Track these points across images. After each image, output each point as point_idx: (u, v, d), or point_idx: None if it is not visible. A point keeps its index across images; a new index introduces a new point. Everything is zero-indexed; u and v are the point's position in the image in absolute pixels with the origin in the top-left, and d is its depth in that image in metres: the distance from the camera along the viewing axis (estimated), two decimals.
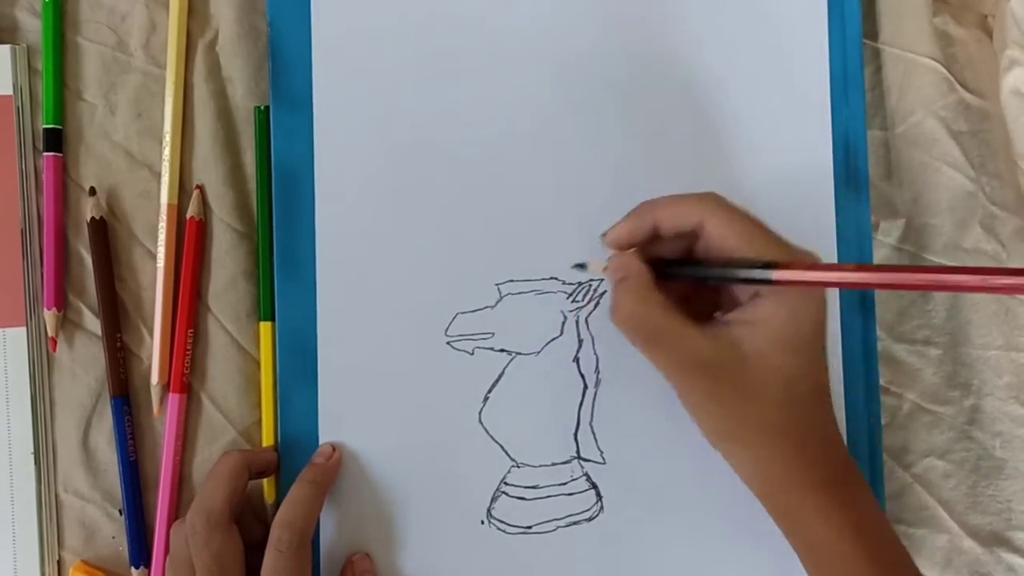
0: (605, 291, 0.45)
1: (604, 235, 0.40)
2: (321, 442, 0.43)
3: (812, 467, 0.38)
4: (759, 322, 0.37)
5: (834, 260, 0.46)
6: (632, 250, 0.40)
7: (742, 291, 0.39)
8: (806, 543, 0.39)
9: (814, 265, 0.36)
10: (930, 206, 0.47)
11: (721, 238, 0.37)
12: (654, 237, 0.39)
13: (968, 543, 0.47)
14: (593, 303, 0.45)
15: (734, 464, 0.39)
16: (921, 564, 0.47)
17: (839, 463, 0.39)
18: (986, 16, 0.48)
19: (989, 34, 0.48)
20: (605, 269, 0.41)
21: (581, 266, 0.43)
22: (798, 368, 0.37)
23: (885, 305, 0.48)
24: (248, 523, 0.43)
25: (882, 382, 0.47)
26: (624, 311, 0.38)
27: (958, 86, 0.48)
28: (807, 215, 0.46)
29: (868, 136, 0.47)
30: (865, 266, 0.34)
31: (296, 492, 0.41)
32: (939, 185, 0.47)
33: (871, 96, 0.48)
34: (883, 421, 0.47)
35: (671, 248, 0.40)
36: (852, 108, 0.46)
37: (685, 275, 0.39)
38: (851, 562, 0.37)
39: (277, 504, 0.44)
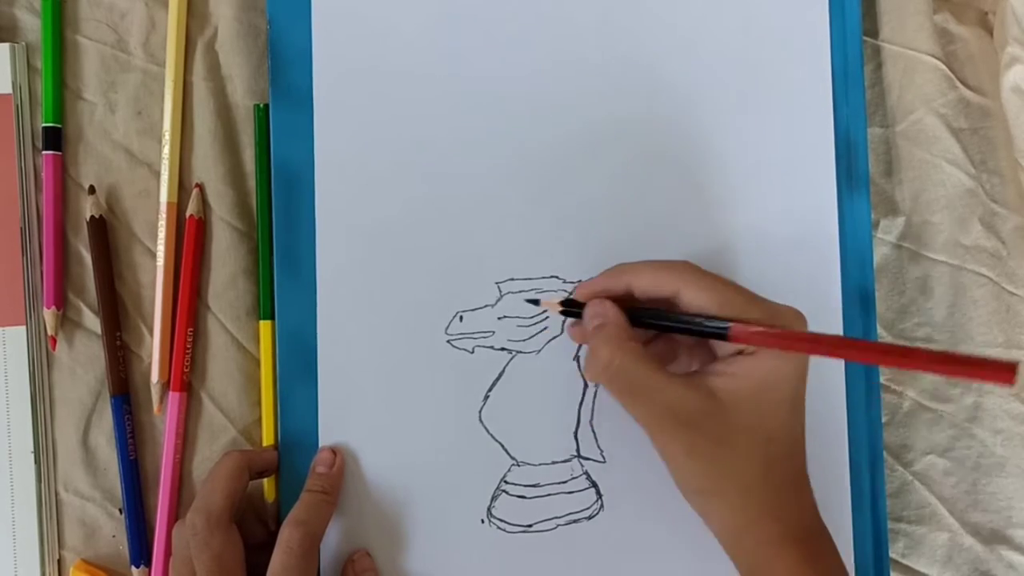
0: None
1: (575, 289, 0.41)
2: (321, 441, 0.43)
3: (785, 522, 0.38)
4: (738, 375, 0.37)
5: (836, 257, 0.46)
6: (606, 299, 0.40)
7: (723, 349, 0.39)
8: None
9: (770, 329, 0.36)
10: (930, 203, 0.47)
11: (697, 306, 0.38)
12: (627, 297, 0.40)
13: (969, 541, 0.47)
14: None
15: (708, 517, 0.39)
16: (922, 562, 0.47)
17: (809, 519, 0.39)
18: (987, 13, 0.48)
19: (990, 31, 0.48)
20: (563, 311, 0.41)
21: (534, 302, 0.43)
22: (777, 423, 0.38)
23: (886, 303, 0.48)
24: (250, 524, 0.43)
25: (882, 379, 0.47)
26: (603, 360, 0.38)
27: (958, 83, 0.48)
28: (810, 214, 0.46)
29: (868, 133, 0.47)
30: (820, 336, 0.35)
31: (308, 497, 0.41)
32: (939, 182, 0.47)
33: (871, 93, 0.48)
34: (883, 419, 0.47)
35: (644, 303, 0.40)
36: (852, 105, 0.46)
37: (653, 325, 0.39)
38: None
39: (277, 503, 0.44)
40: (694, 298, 0.38)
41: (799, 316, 0.38)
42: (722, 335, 0.37)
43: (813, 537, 0.39)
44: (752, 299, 0.38)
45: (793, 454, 0.39)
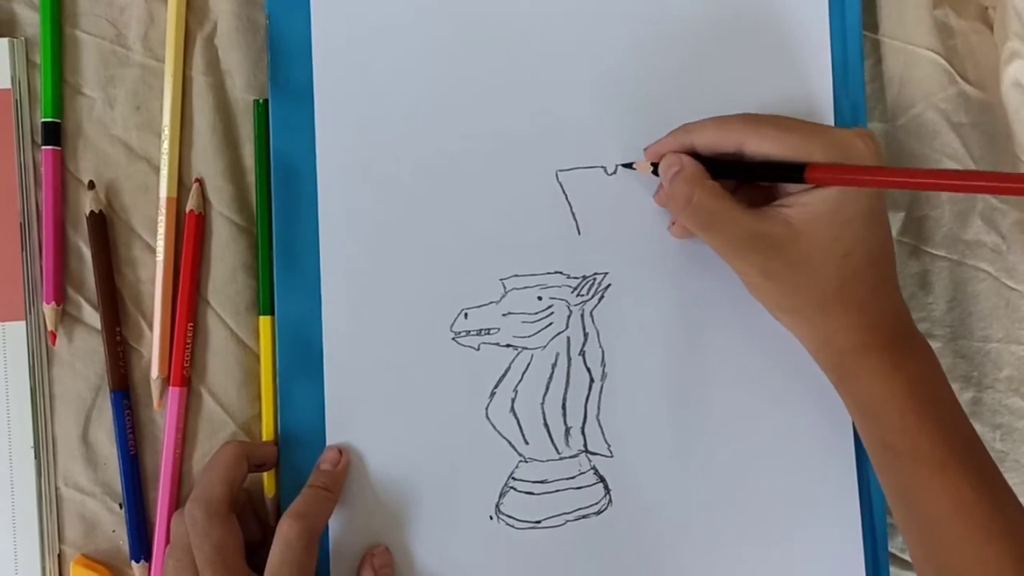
0: (609, 284, 0.45)
1: (646, 149, 0.44)
2: (328, 438, 0.43)
3: (870, 332, 0.40)
4: (810, 202, 0.39)
5: None
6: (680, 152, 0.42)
7: (791, 187, 0.40)
8: (862, 405, 0.41)
9: (843, 167, 0.38)
10: (930, 198, 0.47)
11: (762, 154, 0.39)
12: (693, 152, 0.42)
13: None
14: (598, 296, 0.45)
15: (796, 335, 0.42)
16: None
17: (898, 325, 0.41)
18: (987, 8, 0.48)
19: (990, 26, 0.48)
20: (654, 163, 0.43)
21: (628, 165, 0.44)
22: (851, 238, 0.39)
23: None
24: (248, 522, 0.43)
25: None
26: (682, 198, 0.40)
27: (959, 78, 0.47)
28: None
29: (868, 128, 0.47)
30: (892, 169, 0.39)
31: (309, 492, 0.41)
32: None
33: (871, 88, 0.48)
34: None
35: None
36: (852, 100, 0.46)
37: (727, 175, 0.41)
38: (904, 418, 0.39)
39: (277, 498, 0.44)
40: (757, 147, 0.39)
41: (866, 138, 0.39)
42: (797, 178, 0.39)
43: (898, 342, 0.41)
44: (814, 132, 0.40)
45: (876, 264, 0.40)
